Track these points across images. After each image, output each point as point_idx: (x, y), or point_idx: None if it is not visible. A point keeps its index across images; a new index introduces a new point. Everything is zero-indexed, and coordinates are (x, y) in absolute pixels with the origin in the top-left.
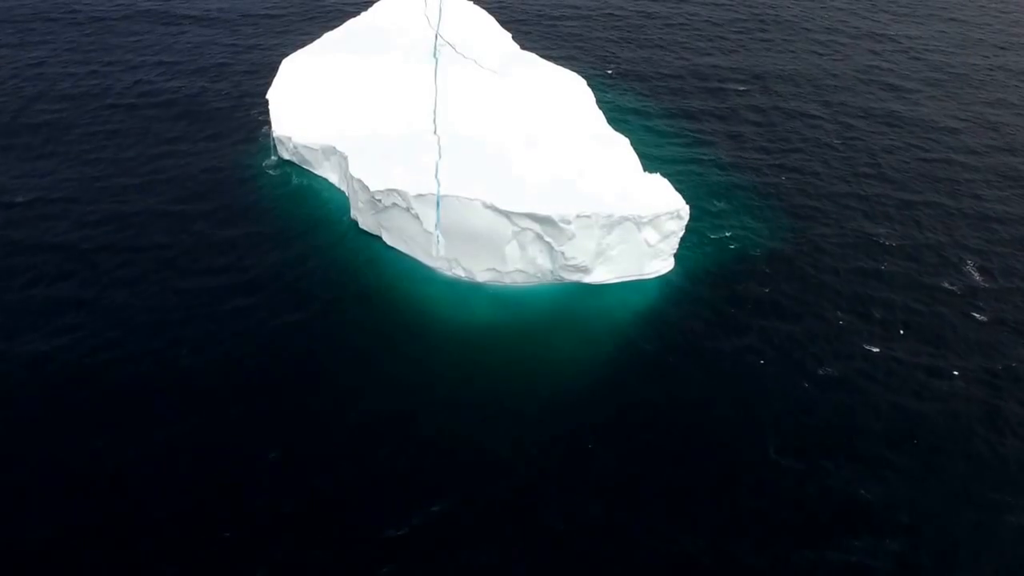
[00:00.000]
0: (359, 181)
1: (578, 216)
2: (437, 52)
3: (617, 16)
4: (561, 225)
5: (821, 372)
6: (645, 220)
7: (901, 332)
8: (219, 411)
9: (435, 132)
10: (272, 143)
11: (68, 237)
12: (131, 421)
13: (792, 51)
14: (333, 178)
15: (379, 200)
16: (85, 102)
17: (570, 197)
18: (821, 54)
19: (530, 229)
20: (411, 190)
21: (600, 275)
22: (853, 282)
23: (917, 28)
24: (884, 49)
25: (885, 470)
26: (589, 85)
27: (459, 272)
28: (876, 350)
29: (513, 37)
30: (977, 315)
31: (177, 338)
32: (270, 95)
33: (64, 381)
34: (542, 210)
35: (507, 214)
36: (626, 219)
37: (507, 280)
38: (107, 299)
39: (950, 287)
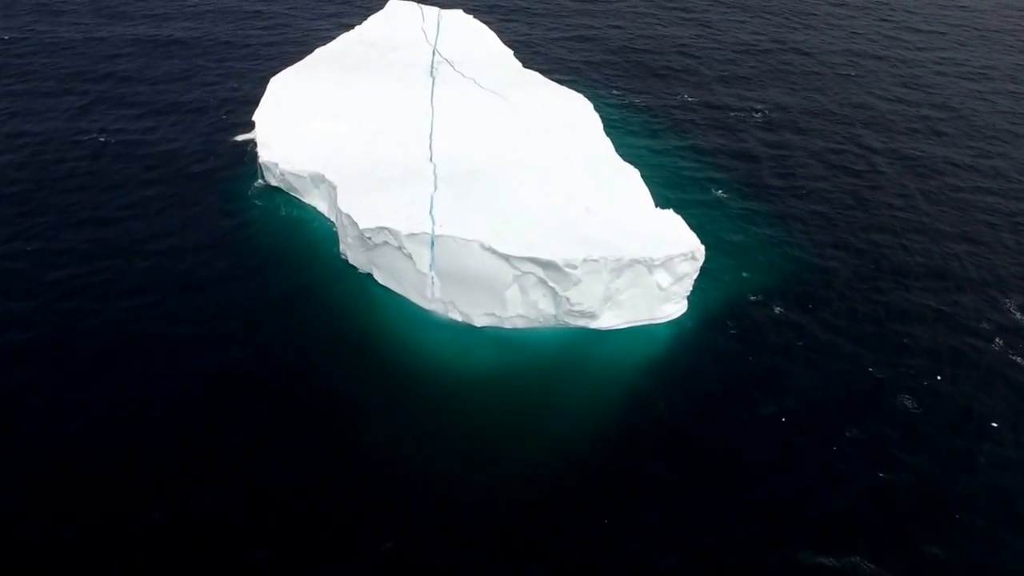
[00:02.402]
0: (348, 216)
1: (585, 260)
2: (434, 70)
3: (625, 34)
4: (566, 270)
5: (848, 434)
6: (657, 262)
7: (940, 388)
8: (201, 482)
9: (431, 159)
10: (259, 168)
11: (25, 303)
12: (102, 503)
13: (815, 73)
14: (322, 207)
15: (369, 238)
16: (55, 127)
17: (576, 237)
18: (843, 76)
19: (532, 273)
20: (403, 228)
21: (608, 320)
22: (885, 330)
23: (943, 50)
24: (909, 74)
25: (930, 562)
26: (595, 108)
27: (455, 316)
28: (914, 410)
29: (515, 54)
30: None
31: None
32: (256, 116)
33: (20, 453)
34: (545, 254)
35: (507, 257)
36: (637, 262)
37: (507, 325)
38: (69, 361)
39: (995, 337)
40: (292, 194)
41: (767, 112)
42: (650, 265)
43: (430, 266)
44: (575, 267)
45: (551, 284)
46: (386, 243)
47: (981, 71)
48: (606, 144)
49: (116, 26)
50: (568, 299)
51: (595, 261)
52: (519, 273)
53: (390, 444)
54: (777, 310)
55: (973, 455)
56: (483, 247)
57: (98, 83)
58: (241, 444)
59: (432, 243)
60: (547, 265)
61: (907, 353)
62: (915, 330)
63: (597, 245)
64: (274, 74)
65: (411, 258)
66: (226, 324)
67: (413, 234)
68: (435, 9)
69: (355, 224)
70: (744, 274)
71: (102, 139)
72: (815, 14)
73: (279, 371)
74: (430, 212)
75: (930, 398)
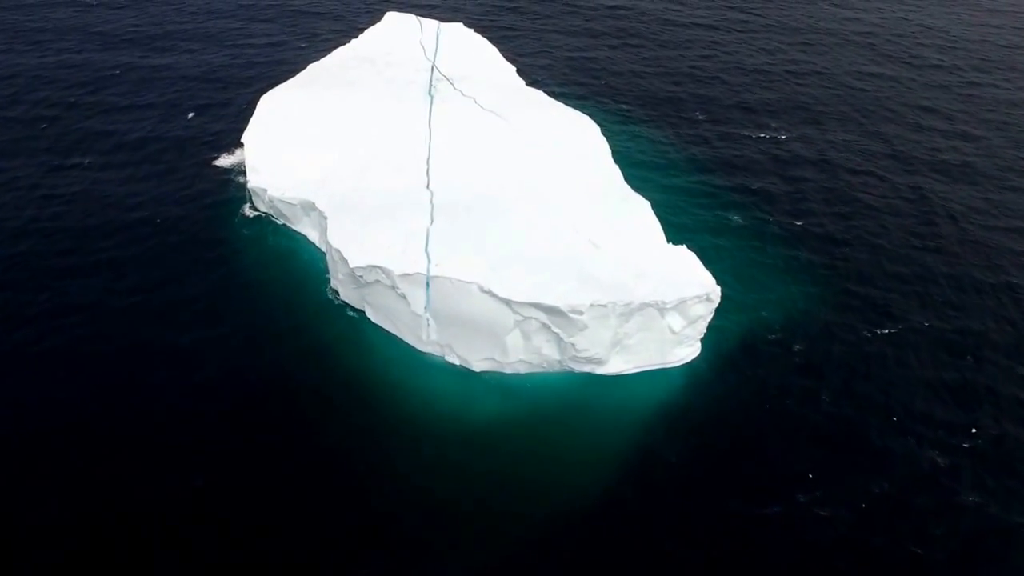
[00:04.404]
0: (338, 252)
1: (592, 305)
2: (433, 88)
3: (636, 53)
4: (572, 316)
5: (877, 490)
6: (669, 305)
7: (972, 442)
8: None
9: (427, 186)
10: (247, 194)
11: None
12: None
13: (834, 97)
14: (313, 236)
15: (361, 276)
16: (34, 145)
17: (582, 278)
18: (863, 100)
19: (535, 318)
20: (396, 268)
21: (616, 365)
22: (908, 377)
23: (967, 71)
24: (933, 97)
25: None
26: (603, 132)
27: (453, 359)
28: (943, 465)
29: (518, 71)
30: None
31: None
32: (246, 138)
33: None
34: (549, 299)
35: (508, 302)
36: (648, 305)
37: (508, 370)
38: (42, 433)
39: None
40: (281, 221)
41: (786, 139)
42: (662, 308)
43: (425, 308)
44: (581, 313)
45: (555, 329)
46: (378, 282)
47: (1008, 92)
48: (615, 172)
49: (102, 49)
50: (574, 345)
51: (603, 306)
52: (521, 318)
53: (385, 495)
54: (796, 348)
55: (1006, 516)
56: (482, 290)
57: (80, 109)
58: (233, 496)
59: (427, 284)
60: (551, 310)
61: (935, 400)
62: (943, 376)
63: (604, 287)
64: (265, 92)
65: (405, 298)
66: (212, 369)
67: (407, 274)
68: (434, 22)
69: (346, 261)
70: (762, 314)
71: (86, 161)
72: (832, 32)
73: (268, 418)
74: (425, 249)
75: (961, 454)
